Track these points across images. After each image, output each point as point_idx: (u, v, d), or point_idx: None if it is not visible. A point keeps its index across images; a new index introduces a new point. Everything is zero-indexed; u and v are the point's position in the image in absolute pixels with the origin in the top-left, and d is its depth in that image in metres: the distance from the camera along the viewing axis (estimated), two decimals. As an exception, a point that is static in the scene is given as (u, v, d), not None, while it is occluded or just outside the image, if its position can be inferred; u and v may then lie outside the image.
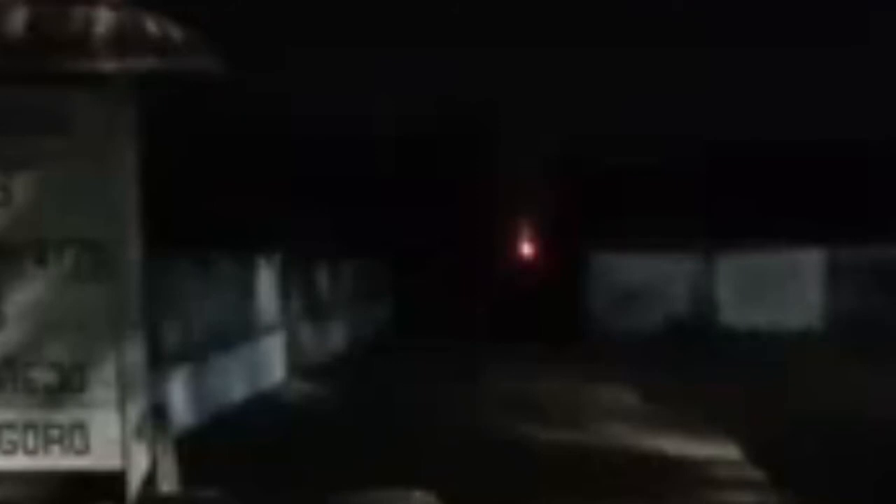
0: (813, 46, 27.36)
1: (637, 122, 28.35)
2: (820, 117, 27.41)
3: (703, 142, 28.22)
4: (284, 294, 18.58)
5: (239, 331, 16.20)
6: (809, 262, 27.39)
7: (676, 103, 28.14)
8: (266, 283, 17.66)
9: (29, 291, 7.08)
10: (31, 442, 7.13)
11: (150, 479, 7.26)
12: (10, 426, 7.15)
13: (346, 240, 22.82)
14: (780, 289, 27.11)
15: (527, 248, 33.36)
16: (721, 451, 12.99)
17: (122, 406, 7.11)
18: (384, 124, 27.02)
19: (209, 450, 10.48)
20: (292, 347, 18.85)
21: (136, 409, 7.17)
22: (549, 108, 29.85)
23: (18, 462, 7.16)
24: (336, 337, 22.30)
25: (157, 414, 7.33)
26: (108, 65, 6.90)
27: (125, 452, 7.13)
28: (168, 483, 7.31)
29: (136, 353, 7.19)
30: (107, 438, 7.12)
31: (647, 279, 27.48)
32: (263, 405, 15.96)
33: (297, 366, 18.88)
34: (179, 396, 12.87)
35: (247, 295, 16.85)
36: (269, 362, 17.75)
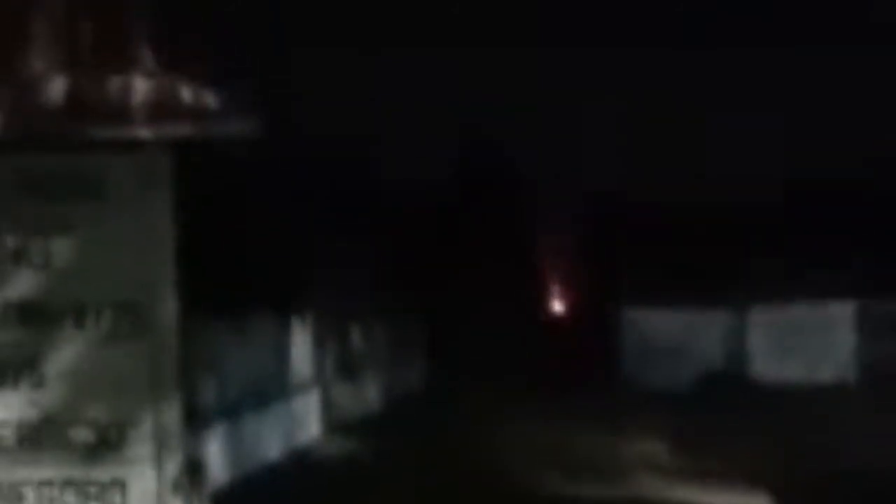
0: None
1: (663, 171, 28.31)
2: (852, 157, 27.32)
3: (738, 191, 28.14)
4: (319, 350, 18.72)
5: (274, 388, 16.33)
6: (842, 314, 27.31)
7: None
8: (300, 339, 17.80)
9: (68, 352, 7.27)
10: (69, 499, 7.29)
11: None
12: (48, 483, 7.31)
13: (379, 294, 22.93)
14: (812, 341, 27.02)
15: (558, 301, 33.37)
16: (747, 496, 13.08)
17: (159, 462, 7.28)
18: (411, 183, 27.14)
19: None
20: (327, 404, 18.96)
21: (173, 465, 7.33)
22: (574, 162, 29.84)
23: (58, 519, 7.32)
24: (371, 393, 22.37)
25: (194, 469, 7.48)
26: (144, 132, 7.14)
27: (163, 507, 7.29)
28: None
29: (172, 410, 7.36)
30: (144, 494, 7.28)
31: (679, 331, 27.44)
32: (298, 463, 16.07)
33: (333, 423, 18.98)
34: (215, 455, 13.00)
35: (281, 352, 16.99)
36: (305, 420, 17.86)
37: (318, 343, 18.69)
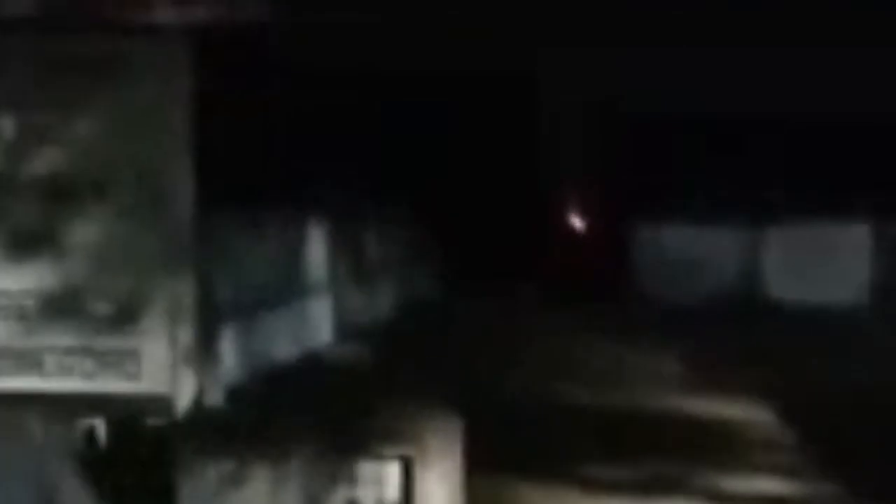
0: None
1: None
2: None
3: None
4: (332, 255, 18.79)
5: (287, 291, 16.48)
6: (858, 234, 27.29)
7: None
8: (314, 243, 17.89)
9: (87, 225, 7.57)
10: (86, 366, 7.60)
11: (198, 401, 7.72)
12: (67, 351, 7.62)
13: (392, 200, 23.00)
14: (828, 262, 26.98)
15: (573, 213, 33.28)
16: (759, 415, 13.29)
17: (172, 334, 7.58)
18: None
19: (264, 402, 10.84)
20: (339, 310, 19.09)
21: (185, 336, 7.64)
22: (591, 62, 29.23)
23: (76, 384, 7.64)
24: (384, 300, 22.48)
25: (206, 341, 7.78)
26: (166, 16, 7.36)
27: (174, 376, 7.59)
28: (214, 402, 7.78)
29: (187, 283, 7.65)
30: (158, 363, 7.60)
31: (693, 249, 27.49)
32: (310, 365, 16.26)
33: (345, 328, 19.11)
34: (229, 353, 13.21)
35: (295, 255, 17.10)
36: (317, 324, 18.02)
37: (331, 247, 18.76)
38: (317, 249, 18.06)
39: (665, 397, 14.69)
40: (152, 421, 7.57)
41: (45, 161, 7.57)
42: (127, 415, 7.57)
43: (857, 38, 26.17)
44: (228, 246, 12.56)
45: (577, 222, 32.19)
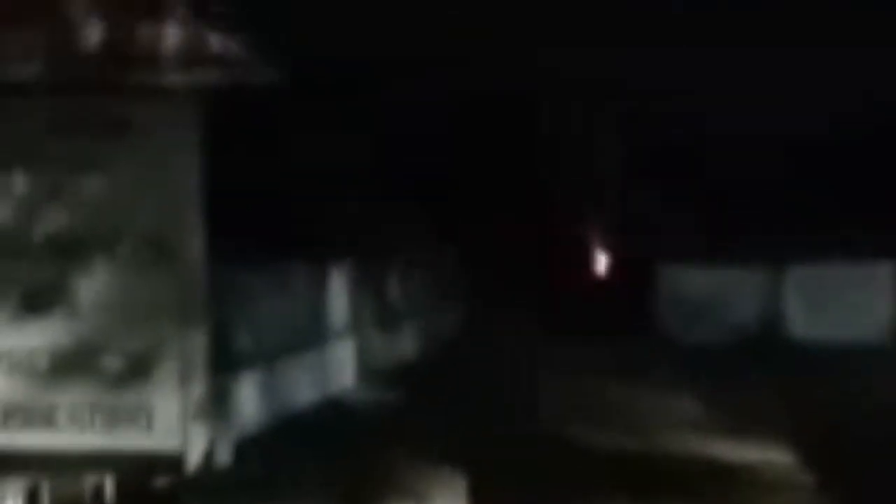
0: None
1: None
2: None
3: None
4: (354, 299, 18.85)
5: (309, 336, 16.53)
6: (879, 273, 27.21)
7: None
8: (336, 288, 17.96)
9: (99, 283, 7.68)
10: (98, 422, 7.69)
11: (209, 457, 7.78)
12: (80, 407, 7.72)
13: (417, 241, 23.05)
14: (850, 302, 26.91)
15: (596, 255, 33.29)
16: (777, 457, 13.24)
17: (183, 389, 7.67)
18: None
19: (278, 453, 10.88)
20: (362, 354, 19.13)
21: (197, 392, 7.72)
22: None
23: (87, 440, 7.72)
24: (406, 344, 22.50)
25: (220, 398, 7.85)
26: (174, 78, 7.51)
27: (185, 433, 7.67)
28: (224, 460, 7.83)
29: (198, 339, 7.74)
30: (169, 419, 7.68)
31: (714, 290, 27.45)
32: (332, 411, 16.30)
33: (368, 373, 19.15)
34: (248, 401, 13.27)
35: (316, 300, 17.16)
36: (339, 369, 18.07)
37: (353, 291, 18.80)
38: (338, 296, 18.14)
39: (683, 439, 14.66)
40: (162, 477, 7.65)
41: (56, 219, 7.70)
42: (137, 471, 7.64)
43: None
44: (244, 298, 12.68)
45: (600, 265, 32.21)
